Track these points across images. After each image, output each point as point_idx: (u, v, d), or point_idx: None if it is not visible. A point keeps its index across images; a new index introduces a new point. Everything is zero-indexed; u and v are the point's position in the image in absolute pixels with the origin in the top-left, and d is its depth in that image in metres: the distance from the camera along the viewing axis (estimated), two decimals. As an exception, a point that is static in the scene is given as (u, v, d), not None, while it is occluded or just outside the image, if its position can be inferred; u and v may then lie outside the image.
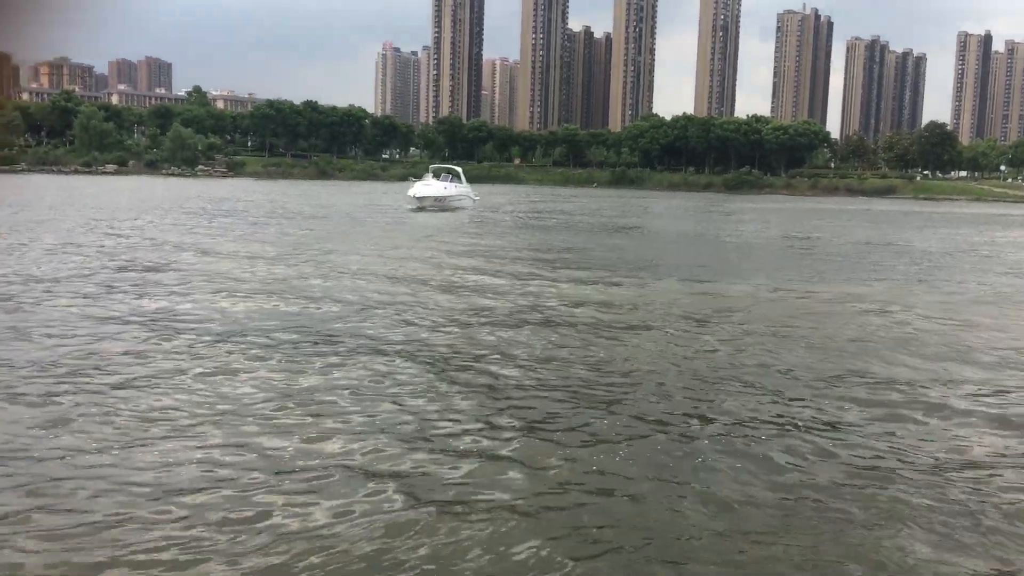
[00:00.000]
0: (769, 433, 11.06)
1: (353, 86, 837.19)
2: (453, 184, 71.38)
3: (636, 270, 29.07)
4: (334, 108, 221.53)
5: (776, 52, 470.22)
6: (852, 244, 46.19)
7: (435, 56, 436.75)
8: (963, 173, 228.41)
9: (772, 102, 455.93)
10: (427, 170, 77.32)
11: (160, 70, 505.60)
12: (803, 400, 12.76)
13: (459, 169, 78.71)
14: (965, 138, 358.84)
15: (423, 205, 65.25)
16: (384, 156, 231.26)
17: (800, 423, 11.52)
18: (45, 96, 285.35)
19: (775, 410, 12.15)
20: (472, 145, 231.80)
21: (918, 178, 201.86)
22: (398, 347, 15.39)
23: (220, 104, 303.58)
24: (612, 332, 17.54)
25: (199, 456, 9.58)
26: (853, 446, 10.67)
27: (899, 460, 10.21)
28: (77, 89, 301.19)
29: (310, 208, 67.10)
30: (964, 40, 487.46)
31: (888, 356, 15.95)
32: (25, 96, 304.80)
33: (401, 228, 48.30)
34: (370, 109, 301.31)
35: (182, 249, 31.11)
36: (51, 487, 8.63)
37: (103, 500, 8.36)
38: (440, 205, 66.44)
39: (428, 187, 67.34)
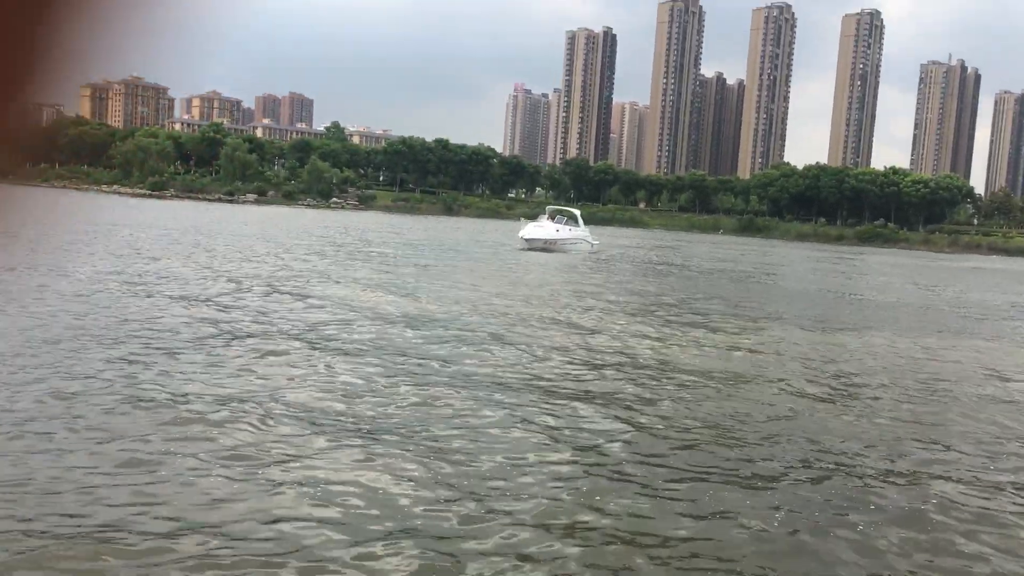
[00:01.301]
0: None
1: (483, 125, 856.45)
2: (568, 227, 69.01)
3: (761, 319, 28.12)
4: (463, 146, 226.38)
5: (918, 103, 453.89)
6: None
7: (565, 98, 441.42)
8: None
9: (912, 154, 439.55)
10: (544, 211, 75.19)
11: (302, 106, 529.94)
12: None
13: (577, 212, 76.08)
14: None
15: (532, 247, 63.24)
16: (510, 195, 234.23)
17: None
18: (195, 127, 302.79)
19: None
20: (598, 187, 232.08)
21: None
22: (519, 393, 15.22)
23: (356, 139, 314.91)
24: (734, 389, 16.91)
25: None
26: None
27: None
28: (225, 122, 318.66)
29: (416, 241, 68.54)
30: None
31: None
32: (177, 126, 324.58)
33: (507, 266, 46.98)
34: (499, 148, 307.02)
35: (306, 278, 32.07)
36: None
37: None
38: (551, 247, 64.03)
39: (540, 228, 65.75)
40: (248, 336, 18.30)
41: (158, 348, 16.36)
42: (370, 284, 30.64)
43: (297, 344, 17.75)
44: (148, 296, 23.25)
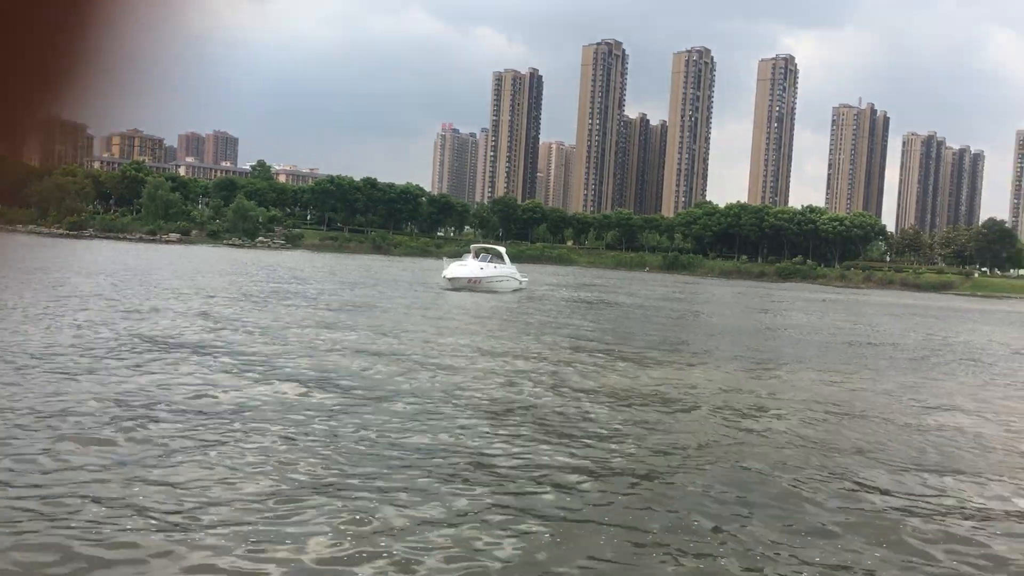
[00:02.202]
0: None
1: (412, 164, 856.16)
2: (493, 265, 65.94)
3: (688, 355, 29.07)
4: (392, 185, 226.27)
5: (831, 144, 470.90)
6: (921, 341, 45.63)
7: (493, 138, 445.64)
8: (1023, 271, 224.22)
9: (826, 193, 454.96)
10: (468, 249, 72.43)
11: (227, 144, 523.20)
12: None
13: (502, 249, 72.37)
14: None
15: (455, 287, 60.22)
16: (439, 233, 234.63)
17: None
18: (116, 166, 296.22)
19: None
20: (526, 225, 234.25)
21: (976, 275, 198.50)
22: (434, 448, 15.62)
23: (282, 178, 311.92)
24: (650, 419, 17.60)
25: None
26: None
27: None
28: (147, 160, 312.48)
29: (342, 280, 67.62)
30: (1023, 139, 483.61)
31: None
32: (97, 165, 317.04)
33: (428, 307, 44.17)
34: (427, 187, 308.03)
35: (214, 319, 31.93)
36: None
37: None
38: (476, 287, 60.95)
39: (463, 267, 62.77)
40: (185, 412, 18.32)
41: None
42: (272, 333, 30.66)
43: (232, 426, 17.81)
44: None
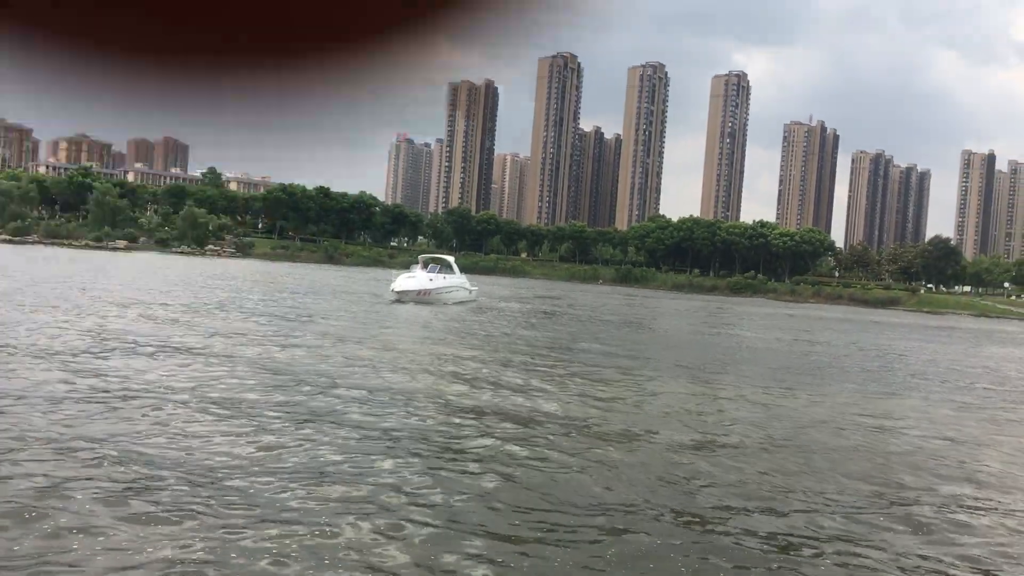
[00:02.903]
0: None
1: (366, 173, 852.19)
2: (442, 275, 63.83)
3: (634, 369, 28.75)
4: (345, 194, 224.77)
5: (782, 161, 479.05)
6: (863, 355, 45.92)
7: (447, 148, 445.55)
8: (967, 288, 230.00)
9: (777, 209, 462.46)
10: (415, 259, 69.95)
11: (177, 150, 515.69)
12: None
13: (451, 259, 70.29)
14: (969, 253, 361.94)
15: (403, 299, 57.25)
16: (393, 244, 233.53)
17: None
18: (62, 171, 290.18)
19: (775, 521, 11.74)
20: (480, 237, 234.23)
21: (922, 291, 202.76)
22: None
23: (234, 186, 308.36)
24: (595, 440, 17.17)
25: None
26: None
27: None
28: (95, 165, 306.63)
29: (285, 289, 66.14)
30: (968, 158, 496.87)
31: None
32: (42, 169, 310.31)
33: (370, 321, 41.84)
34: (381, 197, 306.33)
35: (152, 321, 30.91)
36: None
37: None
38: (425, 299, 58.53)
39: (411, 279, 59.53)
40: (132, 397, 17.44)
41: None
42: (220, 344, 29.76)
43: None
44: None
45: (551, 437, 16.31)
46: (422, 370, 24.42)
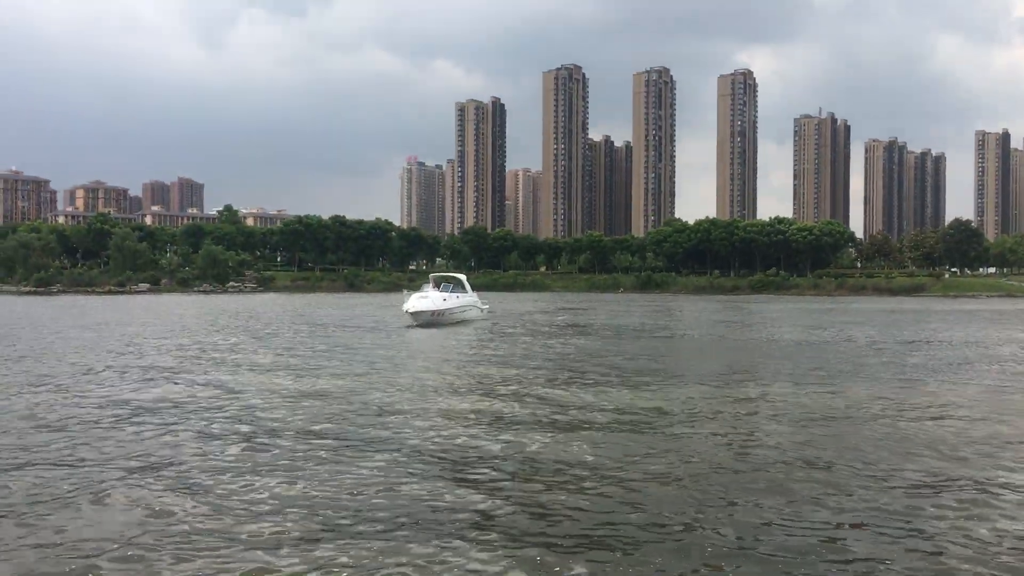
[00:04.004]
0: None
1: (380, 199, 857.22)
2: (455, 294, 62.69)
3: (666, 378, 28.55)
4: (361, 222, 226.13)
5: (795, 155, 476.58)
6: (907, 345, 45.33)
7: (459, 168, 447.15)
8: (991, 269, 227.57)
9: (794, 204, 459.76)
10: (427, 279, 68.01)
11: (192, 190, 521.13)
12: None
13: (462, 277, 69.85)
14: (990, 234, 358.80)
15: (419, 321, 55.99)
16: (411, 267, 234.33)
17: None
18: (81, 219, 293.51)
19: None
20: (498, 254, 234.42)
21: (946, 275, 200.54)
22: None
23: (250, 221, 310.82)
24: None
25: None
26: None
27: None
28: (112, 211, 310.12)
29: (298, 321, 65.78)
30: (982, 139, 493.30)
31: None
32: (61, 219, 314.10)
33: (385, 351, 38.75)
34: (396, 221, 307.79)
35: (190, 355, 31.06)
36: None
37: None
38: (439, 319, 57.47)
39: (424, 299, 58.02)
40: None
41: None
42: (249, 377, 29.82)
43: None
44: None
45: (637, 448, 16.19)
46: (483, 391, 24.35)
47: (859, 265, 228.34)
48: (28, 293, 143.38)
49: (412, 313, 56.07)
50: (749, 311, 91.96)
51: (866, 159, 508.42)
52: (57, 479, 13.96)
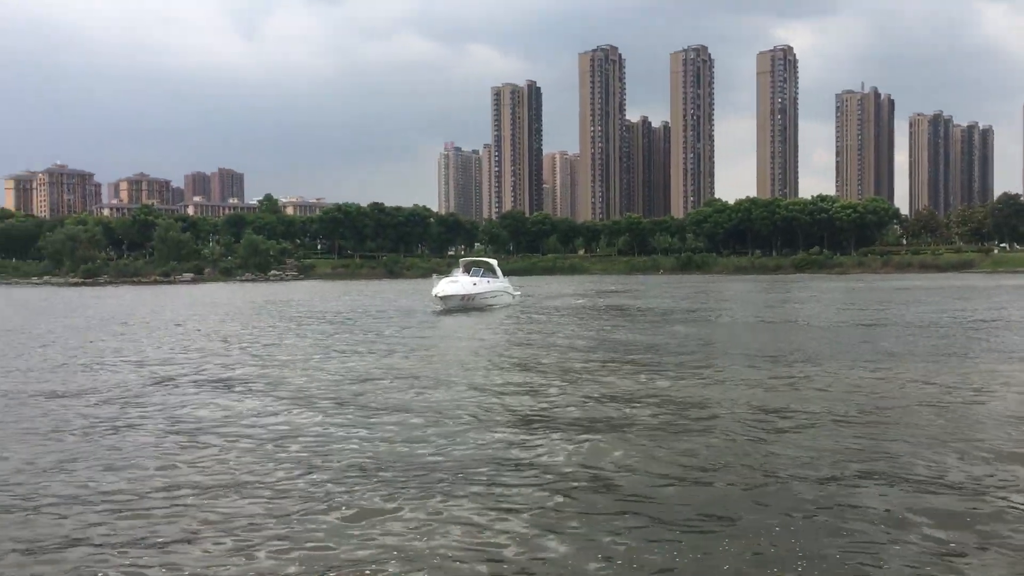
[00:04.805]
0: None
1: (417, 186, 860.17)
2: (486, 279, 60.86)
3: (706, 361, 27.95)
4: (399, 208, 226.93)
5: (837, 131, 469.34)
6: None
7: (496, 152, 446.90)
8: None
9: (836, 181, 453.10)
10: (458, 264, 66.88)
11: (233, 181, 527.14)
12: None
13: (494, 261, 67.17)
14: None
15: (448, 306, 54.69)
16: (450, 253, 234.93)
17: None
18: (125, 211, 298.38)
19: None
20: (536, 238, 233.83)
21: (995, 251, 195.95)
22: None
23: (290, 210, 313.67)
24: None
25: None
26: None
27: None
28: (155, 203, 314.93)
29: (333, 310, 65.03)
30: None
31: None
32: (106, 211, 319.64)
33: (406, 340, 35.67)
34: (434, 207, 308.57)
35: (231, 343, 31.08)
36: None
37: None
38: (469, 304, 56.21)
39: (454, 284, 56.61)
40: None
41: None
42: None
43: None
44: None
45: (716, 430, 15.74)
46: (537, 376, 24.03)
47: (905, 242, 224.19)
48: (75, 284, 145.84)
49: (441, 297, 54.91)
50: (796, 290, 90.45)
51: (910, 134, 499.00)
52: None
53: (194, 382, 23.37)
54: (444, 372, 25.02)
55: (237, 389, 21.99)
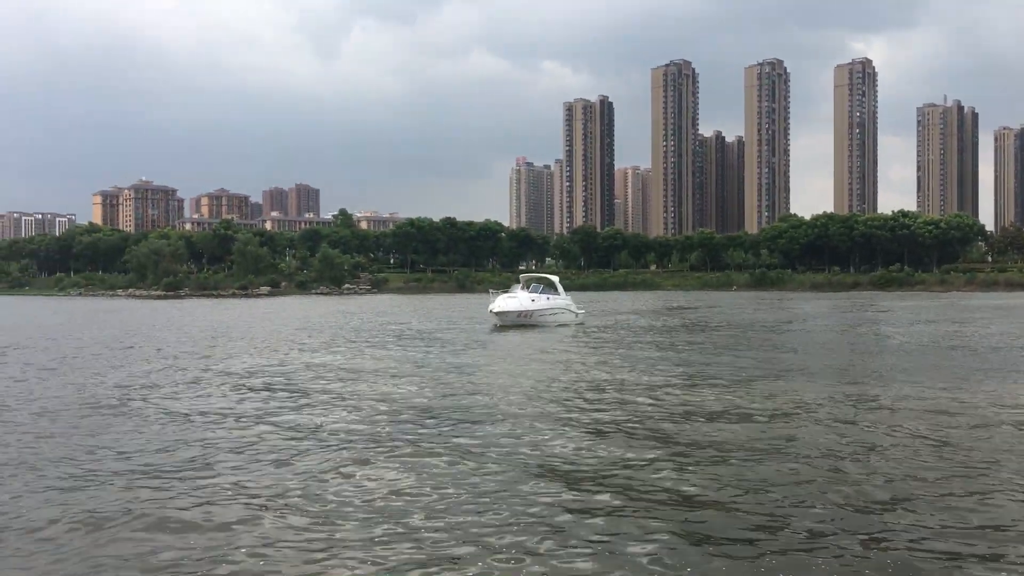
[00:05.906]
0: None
1: (489, 201, 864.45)
2: (545, 296, 58.88)
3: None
4: (471, 223, 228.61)
5: (918, 145, 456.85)
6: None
7: (567, 168, 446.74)
8: None
9: (918, 196, 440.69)
10: (517, 281, 65.11)
11: (309, 196, 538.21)
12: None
13: (555, 278, 64.51)
14: None
15: (505, 322, 54.11)
16: (521, 268, 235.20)
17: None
18: (206, 225, 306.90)
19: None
20: (607, 253, 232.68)
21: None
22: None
23: (364, 224, 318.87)
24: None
25: None
26: None
27: None
28: (234, 217, 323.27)
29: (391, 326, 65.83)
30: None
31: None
32: (188, 226, 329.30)
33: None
34: (505, 222, 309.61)
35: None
36: None
37: None
38: (527, 321, 54.92)
39: (512, 300, 55.91)
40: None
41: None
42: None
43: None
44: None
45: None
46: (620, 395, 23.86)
47: (990, 259, 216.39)
48: (158, 297, 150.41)
49: (497, 313, 54.44)
50: (879, 309, 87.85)
51: (995, 148, 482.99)
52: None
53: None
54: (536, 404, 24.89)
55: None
